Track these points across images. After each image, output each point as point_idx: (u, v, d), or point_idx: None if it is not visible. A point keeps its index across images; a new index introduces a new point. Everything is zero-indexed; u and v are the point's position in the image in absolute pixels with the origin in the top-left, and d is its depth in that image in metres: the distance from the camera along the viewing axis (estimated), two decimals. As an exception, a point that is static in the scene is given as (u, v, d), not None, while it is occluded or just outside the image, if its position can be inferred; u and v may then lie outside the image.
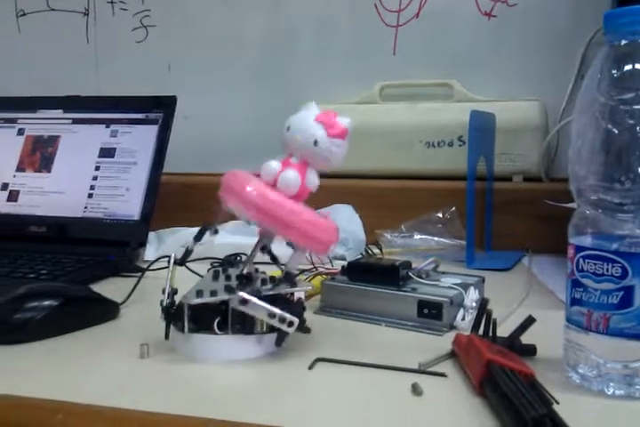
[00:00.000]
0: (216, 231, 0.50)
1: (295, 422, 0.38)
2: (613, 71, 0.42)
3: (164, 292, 0.49)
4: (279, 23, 1.07)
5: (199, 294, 0.48)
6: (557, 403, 0.37)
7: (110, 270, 0.75)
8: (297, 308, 0.49)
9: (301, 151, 0.49)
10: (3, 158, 0.93)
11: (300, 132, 0.49)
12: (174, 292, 0.49)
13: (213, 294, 0.48)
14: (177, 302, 0.49)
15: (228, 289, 0.48)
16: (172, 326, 0.49)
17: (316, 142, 0.48)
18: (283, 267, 0.51)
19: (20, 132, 0.94)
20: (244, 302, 0.47)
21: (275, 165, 0.49)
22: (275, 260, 0.54)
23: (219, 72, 1.10)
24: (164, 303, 0.48)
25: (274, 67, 1.08)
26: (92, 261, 0.76)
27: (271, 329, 0.48)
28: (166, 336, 0.49)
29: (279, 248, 0.52)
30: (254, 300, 0.47)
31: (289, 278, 0.50)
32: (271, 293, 0.49)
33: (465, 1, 0.98)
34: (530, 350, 0.48)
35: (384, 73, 1.01)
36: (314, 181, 0.49)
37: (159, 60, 1.13)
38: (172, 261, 0.50)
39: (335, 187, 0.97)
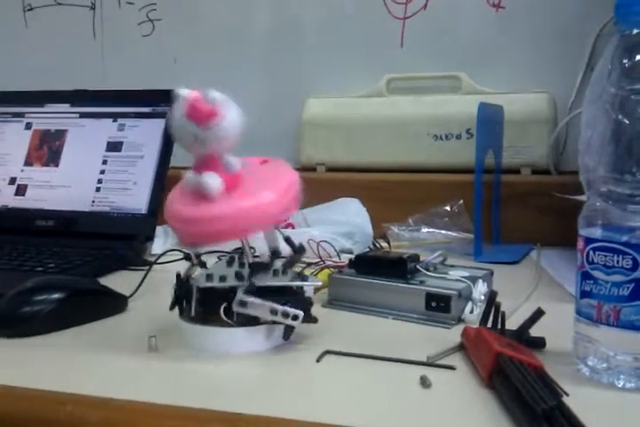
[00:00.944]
0: (203, 265, 0.50)
1: (303, 414, 0.38)
2: (624, 61, 0.41)
3: (179, 276, 0.49)
4: (286, 16, 1.07)
5: (209, 277, 0.48)
6: (567, 395, 0.37)
7: (118, 264, 0.75)
8: (301, 299, 0.49)
9: (196, 151, 0.46)
10: (10, 152, 0.93)
11: (179, 137, 0.46)
12: (189, 279, 0.50)
13: (223, 279, 0.48)
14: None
15: (238, 276, 0.48)
16: (180, 318, 0.49)
17: (196, 139, 0.45)
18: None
19: (28, 126, 0.95)
20: (244, 304, 0.46)
21: (188, 175, 0.47)
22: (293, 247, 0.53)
23: (225, 66, 1.10)
24: (182, 276, 0.49)
25: (280, 60, 1.07)
26: (100, 254, 0.76)
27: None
28: (171, 307, 0.49)
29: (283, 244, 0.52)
30: (253, 300, 0.46)
31: (275, 255, 0.49)
32: (277, 284, 0.48)
33: (473, -8, 0.98)
34: (539, 343, 0.48)
35: (391, 66, 1.00)
36: (234, 164, 0.47)
37: (165, 53, 1.13)
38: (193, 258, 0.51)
39: (342, 180, 0.97)
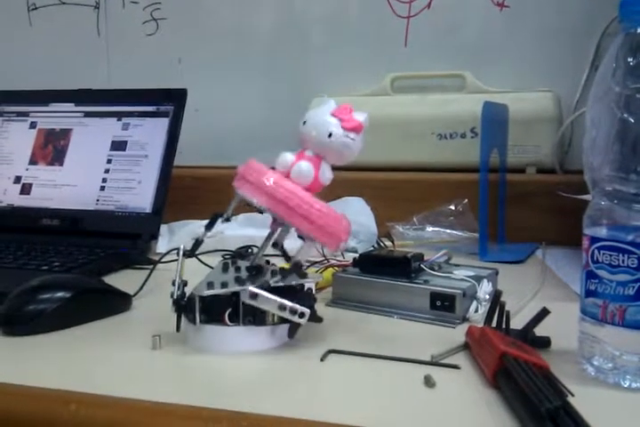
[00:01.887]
0: (228, 219, 0.50)
1: (307, 413, 0.38)
2: (629, 59, 0.41)
3: (174, 284, 0.49)
4: (290, 15, 1.06)
5: (210, 285, 0.48)
6: (572, 395, 0.37)
7: (122, 263, 0.76)
8: (307, 298, 0.49)
9: (316, 145, 0.49)
10: (15, 152, 0.94)
11: (315, 126, 0.49)
12: (184, 284, 0.49)
13: (224, 285, 0.48)
14: (187, 294, 0.49)
15: (239, 281, 0.48)
16: (183, 318, 0.49)
17: (330, 135, 0.48)
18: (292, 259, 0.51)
19: (33, 125, 0.95)
20: (254, 295, 0.46)
21: (289, 156, 0.49)
22: (285, 255, 0.53)
23: (229, 65, 1.10)
24: (175, 295, 0.48)
25: (284, 59, 1.07)
26: (105, 253, 0.76)
27: (282, 320, 0.48)
28: (177, 329, 0.49)
29: (290, 242, 0.52)
30: (263, 293, 0.47)
31: (296, 269, 0.49)
32: (281, 284, 0.49)
33: (477, -9, 0.97)
34: (544, 343, 0.47)
35: (395, 64, 1.00)
36: (327, 174, 0.49)
37: (170, 52, 1.13)
38: (180, 253, 0.50)
39: (346, 179, 0.96)
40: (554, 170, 0.93)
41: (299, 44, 1.06)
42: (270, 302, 0.47)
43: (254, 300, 0.47)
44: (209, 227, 0.50)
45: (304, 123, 0.50)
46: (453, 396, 0.40)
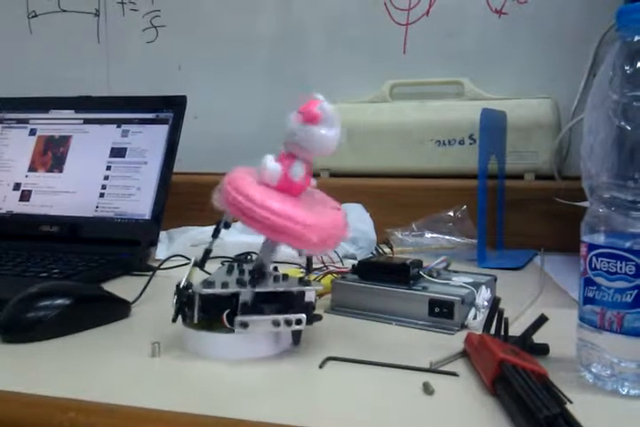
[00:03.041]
0: (227, 225, 0.49)
1: (306, 420, 0.38)
2: (626, 68, 0.41)
3: (178, 286, 0.49)
4: (289, 22, 1.07)
5: (211, 284, 0.48)
6: (571, 403, 0.37)
7: (122, 269, 0.76)
8: (299, 302, 0.49)
9: (287, 144, 0.48)
10: (15, 158, 0.94)
11: (286, 125, 0.48)
12: (189, 286, 0.50)
13: (225, 285, 0.48)
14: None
15: (240, 282, 0.48)
16: (183, 324, 0.49)
17: (292, 133, 0.47)
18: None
19: (32, 132, 0.95)
20: (245, 324, 0.47)
21: (264, 160, 0.48)
22: (309, 264, 0.54)
23: (229, 72, 1.10)
24: (181, 285, 0.49)
25: (284, 66, 1.08)
26: (104, 260, 0.76)
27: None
28: (174, 320, 0.49)
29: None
30: (253, 318, 0.47)
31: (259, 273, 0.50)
32: (278, 289, 0.49)
33: (475, -2, 0.98)
34: (542, 350, 0.47)
35: (394, 71, 1.00)
36: (297, 172, 0.48)
37: (169, 60, 1.13)
38: (191, 264, 0.51)
39: (345, 186, 0.97)
40: (552, 176, 0.93)
41: (298, 51, 1.07)
42: (262, 323, 0.47)
43: (247, 328, 0.47)
44: (215, 235, 0.50)
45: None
46: (452, 403, 0.40)
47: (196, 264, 0.50)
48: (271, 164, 0.47)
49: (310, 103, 0.47)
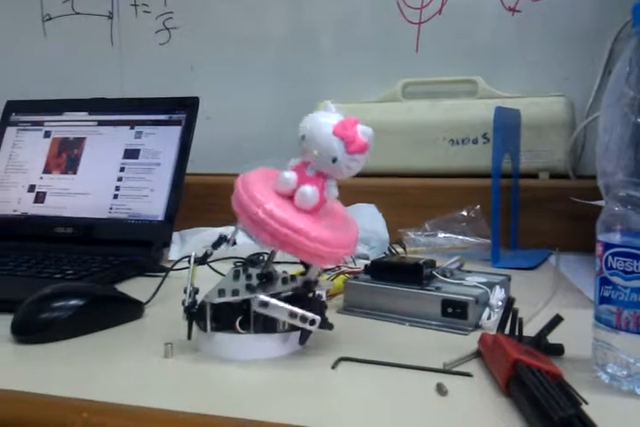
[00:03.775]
0: (234, 243, 0.49)
1: (318, 421, 0.38)
2: (642, 64, 0.41)
3: (185, 291, 0.49)
4: (300, 22, 1.07)
5: (221, 293, 0.48)
6: (586, 403, 0.37)
7: (135, 270, 0.76)
8: (317, 305, 0.49)
9: (318, 165, 0.47)
10: (30, 160, 0.95)
11: (317, 146, 0.46)
12: (196, 291, 0.49)
13: (235, 293, 0.48)
14: (199, 302, 0.49)
15: (250, 288, 0.48)
16: (195, 326, 0.49)
17: (334, 160, 0.46)
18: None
19: (47, 134, 0.96)
20: (265, 304, 0.46)
21: (289, 176, 0.47)
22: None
23: (241, 72, 1.10)
24: (186, 303, 0.49)
25: (296, 66, 1.08)
26: (117, 261, 0.77)
27: (293, 327, 0.48)
28: (189, 336, 0.49)
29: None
30: (274, 301, 0.47)
31: (307, 287, 0.50)
32: (291, 292, 0.49)
33: (488, -4, 0.97)
34: (557, 350, 0.47)
35: (406, 70, 1.00)
36: (333, 193, 0.48)
37: (182, 61, 1.13)
38: (192, 260, 0.50)
39: (358, 186, 0.97)
40: (567, 175, 0.92)
41: (310, 51, 1.07)
42: (281, 309, 0.47)
43: (265, 308, 0.47)
44: (215, 246, 0.50)
45: (302, 137, 0.47)
46: (466, 404, 0.40)
47: (196, 261, 0.50)
48: (311, 191, 0.47)
49: (350, 127, 0.46)
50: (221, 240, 0.49)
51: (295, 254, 0.46)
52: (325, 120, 0.47)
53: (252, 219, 0.46)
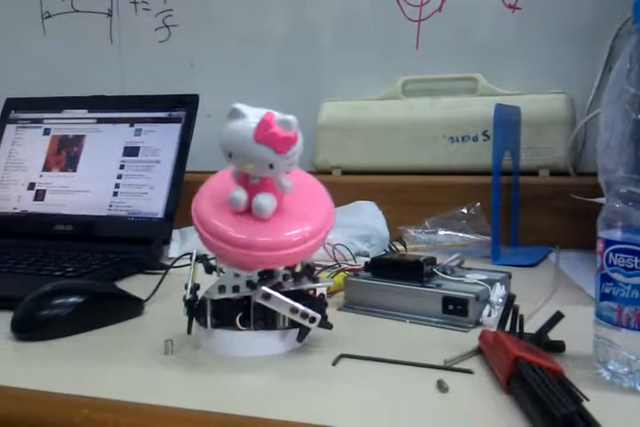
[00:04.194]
0: (221, 270, 0.50)
1: (319, 418, 0.37)
2: (643, 60, 0.41)
3: (186, 287, 0.49)
4: (301, 19, 1.07)
5: (222, 289, 0.48)
6: (587, 400, 0.37)
7: (135, 268, 0.76)
8: (319, 304, 0.49)
9: (259, 174, 0.46)
10: (29, 158, 0.94)
11: (248, 160, 0.44)
12: (197, 287, 0.49)
13: (236, 289, 0.48)
14: (199, 298, 0.49)
15: (250, 285, 0.48)
16: (195, 322, 0.49)
17: (271, 166, 0.44)
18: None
19: (46, 132, 0.96)
20: (267, 296, 0.46)
21: (239, 196, 0.46)
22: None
23: (241, 70, 1.10)
24: (187, 298, 0.48)
25: (296, 63, 1.07)
26: (117, 258, 0.77)
27: (293, 325, 0.48)
28: (188, 331, 0.49)
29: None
30: (276, 294, 0.47)
31: (308, 272, 0.49)
32: (292, 288, 0.49)
33: (488, -7, 0.97)
34: (558, 347, 0.47)
35: (407, 68, 1.00)
36: (287, 186, 0.47)
37: (182, 58, 1.13)
38: (193, 257, 0.50)
39: (358, 183, 0.97)
40: (567, 172, 0.92)
41: (310, 48, 1.07)
42: (282, 303, 0.47)
43: (267, 300, 0.46)
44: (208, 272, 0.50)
45: (230, 155, 0.45)
46: (467, 401, 0.40)
47: (197, 259, 0.50)
48: (266, 200, 0.46)
49: (268, 128, 0.43)
50: (210, 269, 0.50)
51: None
52: (242, 130, 0.44)
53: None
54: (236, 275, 0.52)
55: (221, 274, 0.50)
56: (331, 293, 0.62)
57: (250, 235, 0.46)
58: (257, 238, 0.46)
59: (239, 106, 0.45)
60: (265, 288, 0.47)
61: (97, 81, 1.15)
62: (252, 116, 0.45)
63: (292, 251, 0.46)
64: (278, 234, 0.46)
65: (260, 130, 0.43)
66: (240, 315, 0.47)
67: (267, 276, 0.50)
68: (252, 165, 0.45)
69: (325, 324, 0.49)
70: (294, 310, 0.47)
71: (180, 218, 0.85)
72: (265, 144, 0.43)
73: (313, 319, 0.47)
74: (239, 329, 0.47)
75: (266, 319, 0.47)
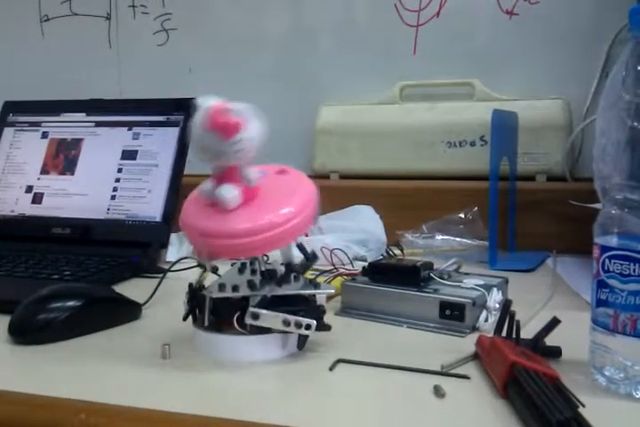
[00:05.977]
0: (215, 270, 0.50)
1: (315, 423, 0.38)
2: (639, 68, 0.41)
3: (190, 286, 0.49)
4: (299, 24, 1.07)
5: (222, 287, 0.48)
6: (583, 406, 0.37)
7: (133, 271, 0.76)
8: (315, 307, 0.49)
9: (215, 164, 0.46)
10: (27, 161, 0.94)
11: (200, 149, 0.45)
12: (202, 286, 0.50)
13: (235, 288, 0.48)
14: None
15: (251, 285, 0.48)
16: (193, 326, 0.49)
17: (220, 154, 0.44)
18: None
19: (45, 135, 0.96)
20: (256, 316, 0.46)
21: (206, 187, 0.47)
22: (305, 254, 0.53)
23: (239, 74, 1.10)
24: (194, 285, 0.49)
25: (294, 68, 1.08)
26: (115, 262, 0.77)
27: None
28: (184, 318, 0.49)
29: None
30: (264, 312, 0.47)
31: (313, 260, 0.50)
32: (289, 293, 0.49)
33: (486, -1, 0.97)
34: (555, 352, 0.47)
35: (404, 73, 1.00)
36: (253, 178, 0.47)
37: (180, 62, 1.13)
38: (208, 268, 0.51)
39: (356, 187, 0.97)
40: (564, 178, 0.92)
41: (308, 53, 1.07)
42: (273, 318, 0.47)
43: (257, 320, 0.46)
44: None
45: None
46: (463, 406, 0.40)
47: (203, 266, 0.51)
48: (226, 190, 0.46)
49: (218, 116, 0.43)
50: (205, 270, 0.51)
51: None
52: (195, 121, 0.45)
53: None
54: (240, 272, 0.52)
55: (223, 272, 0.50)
56: (328, 297, 0.62)
57: (207, 224, 0.46)
58: (212, 227, 0.46)
59: (199, 99, 0.46)
60: (252, 309, 0.46)
61: (95, 84, 1.15)
62: (204, 107, 0.45)
63: (246, 240, 0.45)
64: (237, 223, 0.45)
65: (210, 119, 0.44)
66: (237, 315, 0.47)
67: (270, 277, 0.49)
68: (204, 155, 0.45)
69: (323, 326, 0.49)
70: (287, 323, 0.47)
71: (177, 222, 0.85)
72: (210, 131, 0.44)
73: (308, 326, 0.47)
74: (235, 329, 0.47)
75: None
